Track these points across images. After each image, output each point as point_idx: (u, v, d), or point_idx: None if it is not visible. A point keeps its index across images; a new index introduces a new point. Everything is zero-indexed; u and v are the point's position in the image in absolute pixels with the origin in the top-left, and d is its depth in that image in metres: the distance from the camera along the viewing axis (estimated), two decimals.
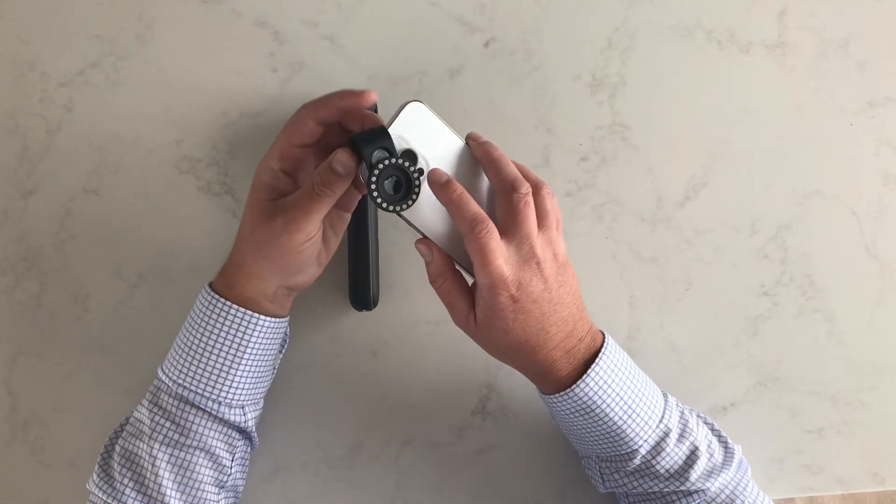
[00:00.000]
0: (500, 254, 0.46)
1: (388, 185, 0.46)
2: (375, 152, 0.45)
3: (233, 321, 0.50)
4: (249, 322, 0.50)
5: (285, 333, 0.56)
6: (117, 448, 0.52)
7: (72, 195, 0.61)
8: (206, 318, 0.50)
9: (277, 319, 0.52)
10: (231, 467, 0.53)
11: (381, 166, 0.45)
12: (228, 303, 0.50)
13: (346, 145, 0.47)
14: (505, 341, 0.49)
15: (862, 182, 0.63)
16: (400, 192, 0.46)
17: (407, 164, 0.46)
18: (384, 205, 0.46)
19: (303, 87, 0.61)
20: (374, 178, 0.45)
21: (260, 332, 0.51)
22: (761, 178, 0.63)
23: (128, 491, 0.50)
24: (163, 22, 0.61)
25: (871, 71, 0.63)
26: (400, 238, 0.61)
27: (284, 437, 0.60)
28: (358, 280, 0.58)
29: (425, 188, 0.47)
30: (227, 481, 0.53)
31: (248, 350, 0.51)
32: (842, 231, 0.63)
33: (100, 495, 0.50)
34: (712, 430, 0.54)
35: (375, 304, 0.60)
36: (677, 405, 0.53)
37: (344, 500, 0.60)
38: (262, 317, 0.50)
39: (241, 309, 0.50)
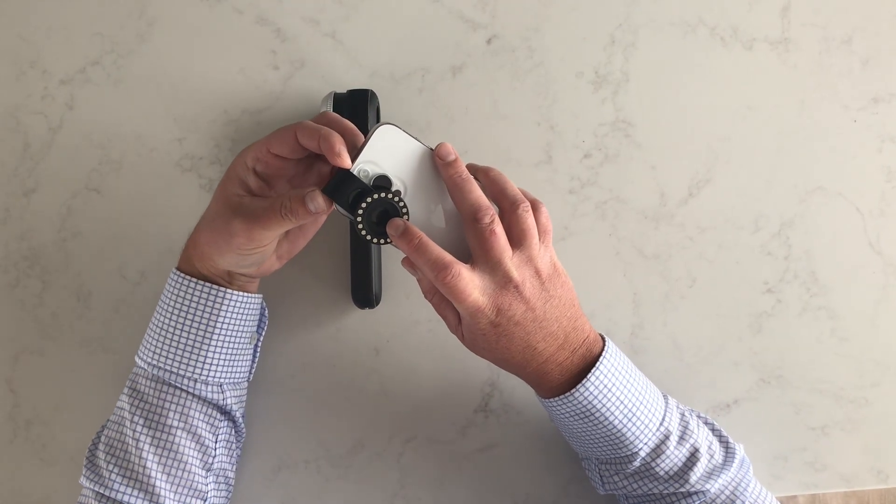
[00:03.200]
0: (474, 287, 0.45)
1: (374, 218, 0.46)
2: (352, 197, 0.46)
3: (200, 296, 0.50)
4: (217, 296, 0.50)
5: (262, 312, 0.56)
6: (102, 438, 0.52)
7: (73, 193, 0.60)
8: (175, 298, 0.51)
9: (248, 294, 0.52)
10: (215, 448, 0.53)
11: (363, 206, 0.46)
12: (194, 279, 0.50)
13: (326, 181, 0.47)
14: (491, 357, 0.50)
15: (865, 178, 0.63)
16: (387, 219, 0.46)
17: (388, 195, 0.46)
18: (378, 241, 0.47)
19: (304, 85, 0.61)
20: (360, 221, 0.46)
21: (230, 306, 0.51)
22: (764, 175, 0.62)
23: (114, 477, 0.50)
24: (164, 19, 0.61)
25: (874, 67, 0.63)
26: None
27: (286, 435, 0.60)
28: (360, 278, 0.58)
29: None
30: (212, 463, 0.53)
31: (220, 325, 0.51)
32: (845, 228, 0.63)
33: (89, 486, 0.50)
34: (713, 430, 0.54)
35: (378, 302, 0.59)
36: (678, 407, 0.53)
37: (346, 497, 0.60)
38: (231, 291, 0.51)
39: (208, 284, 0.50)
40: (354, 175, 0.46)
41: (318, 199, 0.45)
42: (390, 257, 0.61)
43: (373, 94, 0.58)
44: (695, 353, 0.62)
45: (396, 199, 0.46)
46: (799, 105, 0.63)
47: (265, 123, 0.61)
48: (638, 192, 0.62)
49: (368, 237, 0.46)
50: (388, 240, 0.47)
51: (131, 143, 0.61)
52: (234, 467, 0.56)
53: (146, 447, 0.50)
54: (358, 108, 0.57)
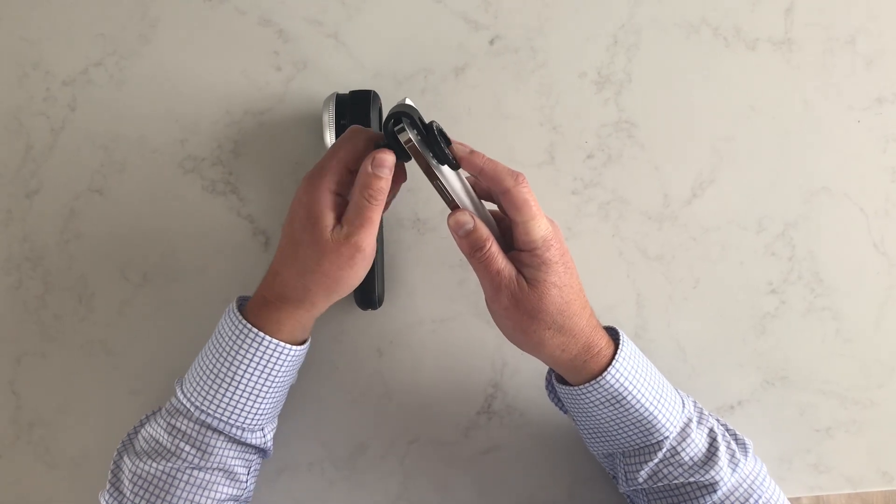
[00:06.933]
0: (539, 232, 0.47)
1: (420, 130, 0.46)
2: (404, 122, 0.46)
3: (265, 352, 0.49)
4: (282, 353, 0.49)
5: None
6: (128, 466, 0.50)
7: (76, 195, 0.60)
8: (234, 346, 0.49)
9: (306, 346, 0.52)
10: (248, 482, 0.53)
11: (431, 126, 0.46)
12: (261, 334, 0.48)
13: (378, 147, 0.47)
14: (560, 300, 0.47)
15: (869, 179, 0.63)
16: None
17: (432, 123, 0.46)
18: (448, 157, 0.47)
19: (307, 86, 0.61)
20: (426, 138, 0.46)
21: (289, 360, 0.50)
22: (768, 176, 0.62)
23: None
24: (166, 20, 0.61)
25: (878, 67, 0.63)
26: (405, 237, 0.61)
27: (289, 437, 0.60)
28: (363, 279, 0.57)
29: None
30: (242, 495, 0.53)
31: (276, 378, 0.50)
32: (849, 228, 0.62)
33: None
34: (718, 421, 0.54)
35: (381, 304, 0.59)
36: (687, 395, 0.54)
37: (349, 499, 0.60)
38: (295, 347, 0.50)
39: (275, 340, 0.49)
40: (387, 134, 0.47)
41: (381, 158, 0.46)
42: (393, 259, 0.61)
43: (375, 94, 0.58)
44: (698, 354, 0.62)
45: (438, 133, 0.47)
46: (802, 105, 0.63)
47: (267, 124, 0.61)
48: (641, 193, 0.62)
49: (438, 154, 0.46)
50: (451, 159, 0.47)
51: (134, 144, 0.61)
52: (255, 484, 0.56)
53: (181, 484, 0.49)
54: (360, 110, 0.56)
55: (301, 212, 0.47)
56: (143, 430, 0.52)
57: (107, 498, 0.50)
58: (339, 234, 0.47)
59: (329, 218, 0.47)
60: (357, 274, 0.48)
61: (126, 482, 0.50)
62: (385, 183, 0.46)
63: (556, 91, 0.62)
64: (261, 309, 0.49)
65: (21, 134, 0.61)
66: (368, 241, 0.47)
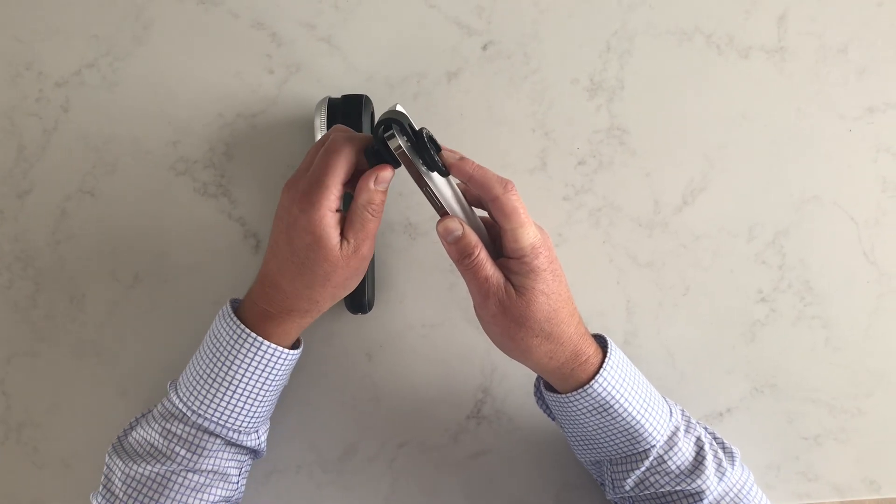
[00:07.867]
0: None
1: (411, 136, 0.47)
2: (394, 129, 0.46)
3: (263, 356, 0.49)
4: (280, 357, 0.50)
5: None
6: (120, 468, 0.50)
7: (68, 195, 0.60)
8: (232, 351, 0.49)
9: (301, 348, 0.53)
10: (239, 483, 0.53)
11: (421, 133, 0.46)
12: (259, 338, 0.49)
13: (368, 152, 0.48)
14: (547, 307, 0.47)
15: (860, 188, 0.63)
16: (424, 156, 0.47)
17: (422, 130, 0.46)
18: (439, 164, 0.47)
19: (300, 89, 0.61)
20: (416, 144, 0.46)
21: (287, 363, 0.51)
22: (759, 184, 0.62)
23: None
24: (160, 23, 0.61)
25: (870, 76, 0.63)
26: (395, 241, 0.61)
27: (278, 440, 0.60)
28: None
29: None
30: (234, 496, 0.53)
31: (274, 381, 0.51)
32: (840, 237, 0.62)
33: None
34: (706, 430, 0.54)
35: (371, 308, 0.59)
36: (674, 404, 0.54)
37: (338, 502, 0.60)
38: (292, 352, 0.51)
39: (273, 345, 0.49)
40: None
41: (384, 176, 0.48)
42: (384, 263, 0.61)
43: (367, 99, 0.58)
44: (688, 361, 0.62)
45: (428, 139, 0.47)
46: (795, 114, 0.63)
47: (260, 127, 0.61)
48: (632, 200, 0.62)
49: (429, 162, 0.47)
50: (440, 165, 0.48)
51: (126, 145, 0.61)
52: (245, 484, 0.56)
53: (176, 486, 0.49)
54: (352, 114, 0.57)
55: (304, 235, 0.47)
56: (134, 433, 0.52)
57: (99, 500, 0.50)
58: (347, 250, 0.48)
59: (336, 237, 0.48)
60: (360, 277, 0.51)
61: (118, 484, 0.50)
62: (385, 196, 0.48)
63: (548, 97, 0.62)
64: (265, 322, 0.50)
65: (13, 134, 0.61)
66: (371, 249, 0.50)
